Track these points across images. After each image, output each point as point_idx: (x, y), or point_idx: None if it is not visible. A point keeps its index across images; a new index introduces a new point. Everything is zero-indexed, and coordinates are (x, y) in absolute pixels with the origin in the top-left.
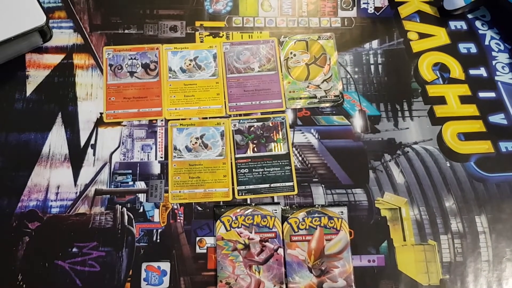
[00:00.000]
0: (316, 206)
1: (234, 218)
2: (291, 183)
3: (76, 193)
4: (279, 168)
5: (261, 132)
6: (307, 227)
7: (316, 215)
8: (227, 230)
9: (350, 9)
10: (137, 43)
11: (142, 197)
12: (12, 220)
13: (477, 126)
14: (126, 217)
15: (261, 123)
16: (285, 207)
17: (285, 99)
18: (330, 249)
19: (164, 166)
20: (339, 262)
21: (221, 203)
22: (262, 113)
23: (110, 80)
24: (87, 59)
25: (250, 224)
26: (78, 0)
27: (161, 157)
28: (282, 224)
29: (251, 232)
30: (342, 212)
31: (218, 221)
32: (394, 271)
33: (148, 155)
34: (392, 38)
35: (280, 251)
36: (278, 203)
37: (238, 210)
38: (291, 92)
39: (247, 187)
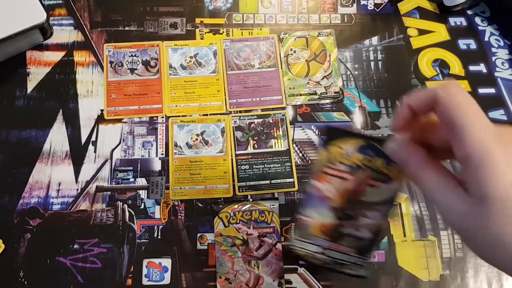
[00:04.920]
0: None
1: (232, 214)
2: (291, 179)
3: (77, 190)
4: (279, 165)
5: (262, 128)
6: (352, 164)
7: (371, 151)
8: (225, 226)
9: (350, 5)
10: (137, 40)
11: (143, 193)
12: (13, 217)
13: None
14: (127, 213)
15: (261, 120)
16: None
17: (285, 96)
18: (370, 197)
19: (165, 162)
20: (372, 213)
21: (220, 200)
22: (262, 110)
23: (111, 77)
24: (87, 56)
25: (248, 219)
26: None
27: (162, 154)
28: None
29: (249, 228)
30: None
31: (216, 217)
32: (394, 267)
33: (149, 152)
34: (392, 35)
35: (279, 246)
36: (276, 199)
37: (236, 206)
38: (291, 88)
39: (248, 183)
